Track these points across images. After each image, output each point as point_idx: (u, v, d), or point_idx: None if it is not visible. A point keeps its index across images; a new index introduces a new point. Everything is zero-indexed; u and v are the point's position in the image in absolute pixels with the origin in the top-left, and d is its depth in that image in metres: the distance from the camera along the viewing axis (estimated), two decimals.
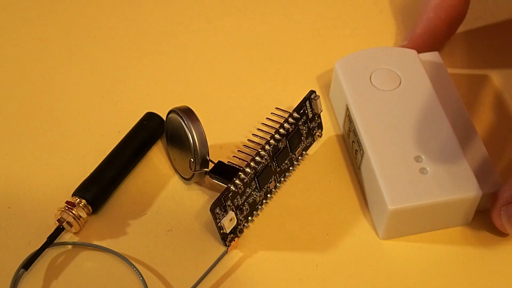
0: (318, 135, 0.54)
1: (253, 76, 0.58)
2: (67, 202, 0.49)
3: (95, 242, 0.49)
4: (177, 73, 0.59)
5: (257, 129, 0.52)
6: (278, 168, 0.51)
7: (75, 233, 0.49)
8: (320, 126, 0.54)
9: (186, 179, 0.51)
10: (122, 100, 0.57)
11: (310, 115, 0.52)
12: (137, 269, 0.47)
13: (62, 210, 0.48)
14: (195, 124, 0.49)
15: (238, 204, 0.48)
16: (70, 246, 0.49)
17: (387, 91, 0.52)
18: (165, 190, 0.52)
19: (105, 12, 0.63)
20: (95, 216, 0.50)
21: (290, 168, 0.52)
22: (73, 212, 0.48)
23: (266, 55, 0.60)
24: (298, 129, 0.52)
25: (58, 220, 0.48)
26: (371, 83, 0.53)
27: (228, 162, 0.50)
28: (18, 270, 0.46)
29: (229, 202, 0.48)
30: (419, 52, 0.55)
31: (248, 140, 0.52)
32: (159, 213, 0.50)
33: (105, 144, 0.52)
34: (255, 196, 0.49)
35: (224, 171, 0.49)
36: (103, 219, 0.50)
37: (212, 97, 0.57)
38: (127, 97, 0.57)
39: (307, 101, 0.52)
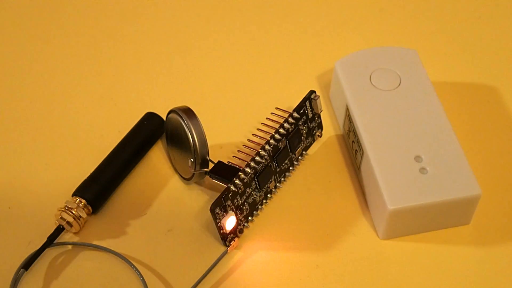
0: (318, 135, 0.54)
1: (253, 76, 0.58)
2: (67, 202, 0.49)
3: (95, 242, 0.49)
4: (177, 73, 0.59)
5: (257, 129, 0.52)
6: (278, 168, 0.51)
7: (75, 233, 0.49)
8: (320, 126, 0.54)
9: (186, 179, 0.51)
10: (122, 100, 0.57)
11: (310, 115, 0.52)
12: (137, 269, 0.47)
13: (62, 210, 0.48)
14: (195, 124, 0.49)
15: (238, 204, 0.48)
16: (70, 246, 0.49)
17: (387, 91, 0.52)
18: (165, 190, 0.52)
19: (105, 12, 0.63)
20: (95, 216, 0.50)
21: (290, 168, 0.52)
22: (73, 212, 0.48)
23: (266, 55, 0.60)
24: (298, 129, 0.52)
25: (58, 220, 0.48)
26: (371, 83, 0.53)
27: (228, 162, 0.50)
28: (18, 270, 0.46)
29: (229, 202, 0.48)
30: None
31: (248, 140, 0.52)
32: (159, 213, 0.50)
33: (105, 144, 0.52)
34: (255, 196, 0.49)
35: (224, 171, 0.49)
36: (103, 219, 0.50)
37: (212, 97, 0.57)
38: (127, 97, 0.57)
39: (307, 101, 0.52)
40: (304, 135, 0.52)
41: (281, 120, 0.51)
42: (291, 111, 0.51)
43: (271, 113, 0.52)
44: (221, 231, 0.48)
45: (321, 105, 0.53)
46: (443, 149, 0.49)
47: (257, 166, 0.49)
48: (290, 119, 0.51)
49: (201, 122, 0.49)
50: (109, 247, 0.48)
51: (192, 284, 0.47)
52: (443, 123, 0.51)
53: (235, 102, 0.57)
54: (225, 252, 0.48)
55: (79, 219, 0.48)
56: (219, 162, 0.50)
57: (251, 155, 0.49)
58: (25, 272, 0.47)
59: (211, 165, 0.50)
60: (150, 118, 0.54)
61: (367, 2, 0.64)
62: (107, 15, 0.63)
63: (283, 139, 0.50)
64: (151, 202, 0.51)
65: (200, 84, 0.58)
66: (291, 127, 0.51)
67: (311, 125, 0.53)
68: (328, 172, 0.53)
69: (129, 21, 0.62)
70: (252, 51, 0.60)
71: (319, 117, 0.53)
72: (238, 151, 0.51)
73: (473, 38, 0.61)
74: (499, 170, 0.53)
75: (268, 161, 0.50)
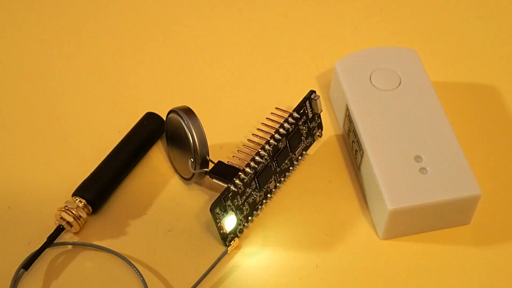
0: (318, 135, 0.54)
1: (253, 76, 0.58)
2: (67, 202, 0.49)
3: (95, 242, 0.49)
4: (177, 73, 0.59)
5: (257, 129, 0.52)
6: (278, 168, 0.51)
7: (75, 233, 0.49)
8: (320, 126, 0.54)
9: (186, 179, 0.51)
10: (122, 100, 0.57)
11: (310, 115, 0.52)
12: (137, 269, 0.47)
13: (62, 210, 0.48)
14: (195, 124, 0.49)
15: (238, 204, 0.48)
16: (70, 246, 0.49)
17: (387, 91, 0.52)
18: (165, 190, 0.52)
19: (105, 12, 0.63)
20: (95, 216, 0.50)
21: (290, 168, 0.52)
22: (73, 212, 0.48)
23: (266, 55, 0.60)
24: (298, 129, 0.52)
25: (58, 220, 0.48)
26: (371, 83, 0.53)
27: (228, 162, 0.50)
28: (18, 270, 0.46)
29: (229, 202, 0.48)
30: None
31: (248, 140, 0.52)
32: (159, 213, 0.50)
33: (105, 144, 0.52)
34: (255, 196, 0.49)
35: (224, 171, 0.49)
36: (103, 219, 0.50)
37: (212, 97, 0.57)
38: (127, 97, 0.57)
39: (307, 101, 0.52)
40: (304, 135, 0.52)
41: (281, 120, 0.51)
42: (291, 111, 0.51)
43: (271, 113, 0.52)
44: (221, 231, 0.48)
45: (321, 105, 0.53)
46: (443, 149, 0.49)
47: (257, 166, 0.49)
48: (290, 119, 0.51)
49: (201, 122, 0.49)
50: (109, 247, 0.48)
51: (192, 284, 0.47)
52: (443, 123, 0.51)
53: (235, 102, 0.57)
54: (225, 252, 0.48)
55: (79, 219, 0.48)
56: (219, 162, 0.50)
57: (251, 155, 0.49)
58: (25, 272, 0.47)
59: (211, 165, 0.50)
60: (150, 118, 0.54)
61: (367, 2, 0.64)
62: (107, 15, 0.63)
63: (283, 139, 0.50)
64: (151, 202, 0.51)
65: (200, 84, 0.58)
66: (291, 127, 0.51)
67: (311, 125, 0.53)
68: (328, 172, 0.53)
69: (129, 21, 0.62)
70: (252, 51, 0.60)
71: (319, 117, 0.53)
72: (238, 151, 0.51)
73: (473, 38, 0.61)
74: (499, 170, 0.53)
75: (268, 161, 0.50)
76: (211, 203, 0.46)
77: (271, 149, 0.50)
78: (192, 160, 0.49)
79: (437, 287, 0.48)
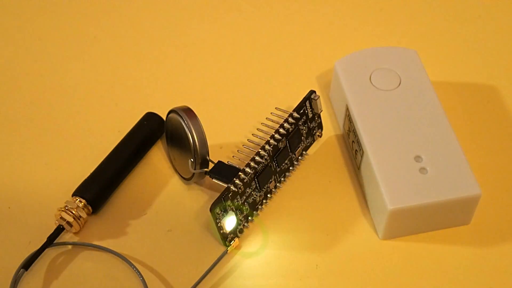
0: (318, 135, 0.54)
1: (253, 76, 0.58)
2: (67, 202, 0.49)
3: (95, 242, 0.49)
4: (177, 73, 0.59)
5: (257, 129, 0.52)
6: (278, 168, 0.51)
7: (75, 233, 0.49)
8: (320, 126, 0.54)
9: (186, 179, 0.51)
10: (122, 100, 0.57)
11: (310, 115, 0.52)
12: (137, 269, 0.47)
13: (62, 210, 0.48)
14: (195, 124, 0.49)
15: (238, 204, 0.48)
16: (70, 246, 0.49)
17: (387, 91, 0.52)
18: (165, 190, 0.52)
19: (105, 12, 0.63)
20: (95, 216, 0.50)
21: (290, 168, 0.52)
22: (73, 212, 0.48)
23: (266, 55, 0.60)
24: (298, 129, 0.52)
25: (58, 220, 0.48)
26: (371, 83, 0.53)
27: (228, 162, 0.50)
28: (18, 270, 0.46)
29: (229, 202, 0.48)
30: None
31: (248, 140, 0.52)
32: (159, 213, 0.50)
33: (105, 144, 0.52)
34: (255, 196, 0.49)
35: (224, 171, 0.49)
36: (103, 219, 0.50)
37: (212, 97, 0.57)
38: (127, 97, 0.57)
39: (307, 101, 0.52)
40: (304, 135, 0.52)
41: (281, 120, 0.51)
42: (291, 111, 0.51)
43: (271, 113, 0.52)
44: (221, 231, 0.48)
45: (321, 105, 0.53)
46: (443, 149, 0.49)
47: (257, 166, 0.49)
48: (290, 119, 0.51)
49: (201, 122, 0.49)
50: (109, 247, 0.48)
51: (192, 284, 0.47)
52: (443, 123, 0.51)
53: (235, 102, 0.57)
54: (225, 252, 0.48)
55: (79, 219, 0.48)
56: (219, 162, 0.50)
57: (251, 155, 0.49)
58: (25, 272, 0.47)
59: (211, 165, 0.50)
60: (150, 118, 0.54)
61: (367, 2, 0.64)
62: (107, 15, 0.63)
63: (283, 139, 0.50)
64: (151, 202, 0.51)
65: (200, 84, 0.58)
66: (291, 127, 0.51)
67: (311, 125, 0.53)
68: (328, 172, 0.53)
69: (129, 21, 0.62)
70: (252, 51, 0.60)
71: (319, 117, 0.53)
72: (238, 151, 0.51)
73: (473, 38, 0.61)
74: (499, 170, 0.53)
75: (268, 161, 0.50)
76: (211, 203, 0.47)
77: (271, 149, 0.50)
78: (192, 160, 0.49)
79: (437, 287, 0.48)
